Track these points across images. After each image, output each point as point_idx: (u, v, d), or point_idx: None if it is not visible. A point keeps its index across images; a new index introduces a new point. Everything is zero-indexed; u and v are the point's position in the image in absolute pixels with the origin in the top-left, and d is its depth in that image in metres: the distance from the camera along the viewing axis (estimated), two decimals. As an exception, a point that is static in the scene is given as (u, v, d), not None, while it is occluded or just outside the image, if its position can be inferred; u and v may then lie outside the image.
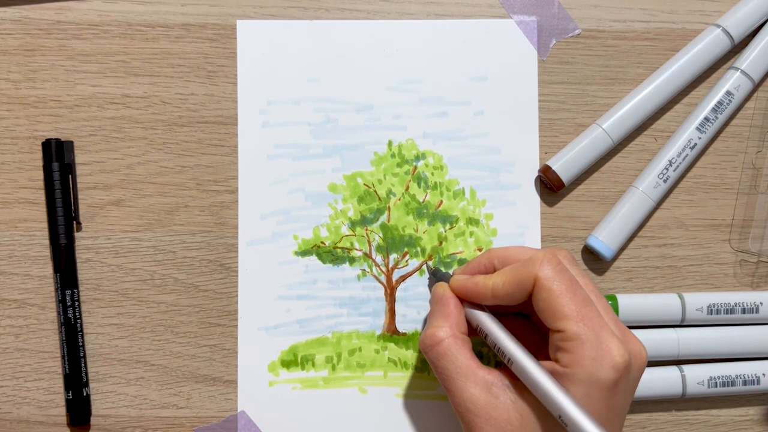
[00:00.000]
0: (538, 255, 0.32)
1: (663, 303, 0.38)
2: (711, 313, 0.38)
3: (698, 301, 0.39)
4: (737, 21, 0.39)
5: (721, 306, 0.38)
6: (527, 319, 0.36)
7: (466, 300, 0.34)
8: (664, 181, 0.39)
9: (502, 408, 0.31)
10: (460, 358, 0.32)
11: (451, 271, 0.37)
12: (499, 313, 0.34)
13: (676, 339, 0.38)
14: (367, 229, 0.39)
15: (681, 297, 0.39)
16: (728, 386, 0.38)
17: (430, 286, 0.36)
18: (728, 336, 0.39)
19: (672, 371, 0.38)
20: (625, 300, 0.38)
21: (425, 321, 0.39)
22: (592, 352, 0.29)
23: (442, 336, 0.32)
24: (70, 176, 0.38)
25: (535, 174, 0.39)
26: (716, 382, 0.38)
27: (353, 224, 0.39)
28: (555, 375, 0.30)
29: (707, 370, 0.38)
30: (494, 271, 0.34)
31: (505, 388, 0.31)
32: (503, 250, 0.34)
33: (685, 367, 0.38)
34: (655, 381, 0.38)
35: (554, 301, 0.30)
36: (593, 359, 0.29)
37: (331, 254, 0.39)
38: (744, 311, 0.39)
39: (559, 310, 0.30)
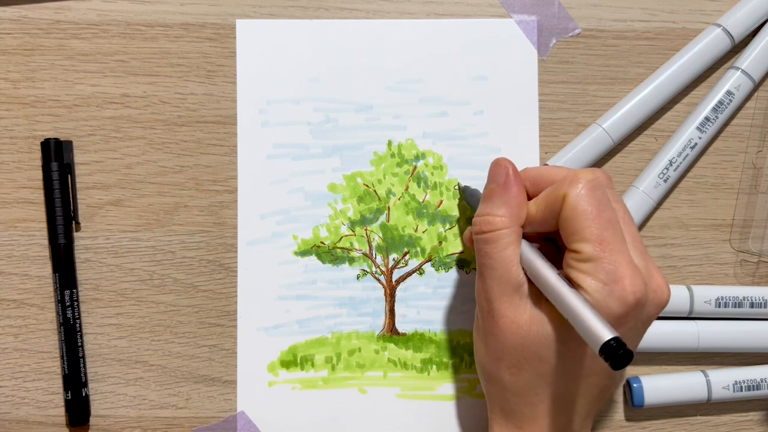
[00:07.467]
0: (572, 173, 0.30)
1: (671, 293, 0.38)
2: (719, 306, 0.38)
3: (706, 294, 0.38)
4: (737, 20, 0.39)
5: (729, 299, 0.38)
6: (555, 243, 0.34)
7: None
8: (665, 181, 0.39)
9: (521, 309, 0.30)
10: (507, 250, 0.31)
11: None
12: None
13: (696, 332, 0.38)
14: (366, 229, 0.39)
15: (689, 289, 0.39)
16: (753, 390, 0.38)
17: (461, 202, 0.38)
18: (751, 330, 0.38)
19: (697, 376, 0.38)
20: None
21: (425, 319, 0.39)
22: (603, 278, 0.28)
23: (500, 226, 0.31)
24: (69, 176, 0.38)
25: (535, 174, 0.39)
26: (741, 386, 0.38)
27: (353, 224, 0.39)
28: None
29: (732, 375, 0.38)
30: (529, 193, 0.33)
31: (529, 294, 0.31)
32: (535, 171, 0.33)
33: (710, 372, 0.38)
34: (681, 387, 0.38)
35: (577, 220, 0.29)
36: (603, 285, 0.28)
37: (330, 254, 0.39)
38: (752, 305, 0.38)
39: (579, 231, 0.29)
